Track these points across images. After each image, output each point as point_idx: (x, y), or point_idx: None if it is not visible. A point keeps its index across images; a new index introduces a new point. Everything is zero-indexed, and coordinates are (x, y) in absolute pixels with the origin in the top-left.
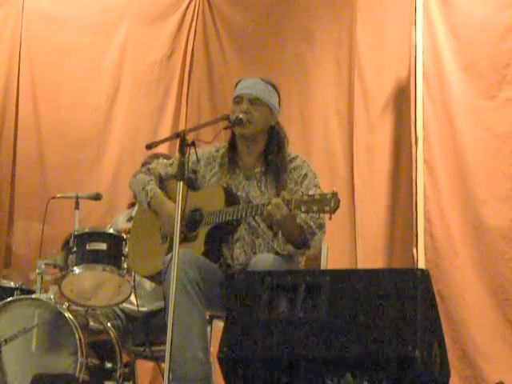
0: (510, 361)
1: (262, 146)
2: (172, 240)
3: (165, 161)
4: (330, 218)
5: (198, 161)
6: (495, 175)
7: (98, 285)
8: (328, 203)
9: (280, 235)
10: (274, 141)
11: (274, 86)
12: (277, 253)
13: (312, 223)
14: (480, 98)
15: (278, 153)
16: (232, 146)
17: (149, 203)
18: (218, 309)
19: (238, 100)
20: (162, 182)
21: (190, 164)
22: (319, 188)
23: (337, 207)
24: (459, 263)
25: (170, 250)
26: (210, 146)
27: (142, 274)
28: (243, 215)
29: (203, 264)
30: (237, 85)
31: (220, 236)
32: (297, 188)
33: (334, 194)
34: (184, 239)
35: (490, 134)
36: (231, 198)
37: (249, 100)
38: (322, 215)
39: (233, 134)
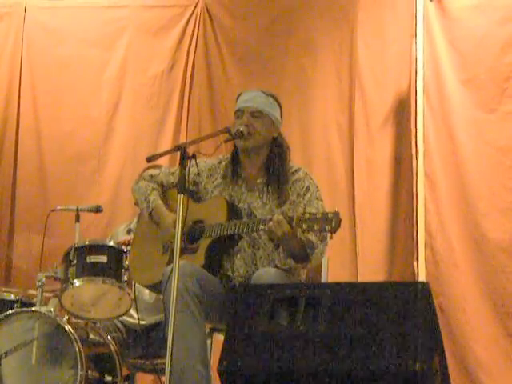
0: (511, 374)
1: (264, 158)
2: (173, 251)
3: (167, 170)
4: (331, 237)
5: (199, 173)
6: (496, 188)
7: (98, 297)
8: (329, 223)
9: (281, 249)
10: (276, 152)
11: (275, 98)
12: (277, 265)
13: (313, 237)
14: (480, 112)
15: (280, 164)
16: (234, 158)
17: (150, 213)
18: (218, 321)
19: (238, 114)
20: (163, 190)
21: (191, 176)
22: (321, 201)
23: (338, 227)
24: (460, 276)
25: (171, 261)
26: (212, 158)
27: (141, 283)
28: (244, 230)
29: (203, 276)
30: (238, 98)
31: (221, 249)
32: (299, 200)
33: (336, 214)
34: (184, 251)
35: (490, 147)
36: (233, 211)
37: (249, 113)
38: None
39: (235, 147)
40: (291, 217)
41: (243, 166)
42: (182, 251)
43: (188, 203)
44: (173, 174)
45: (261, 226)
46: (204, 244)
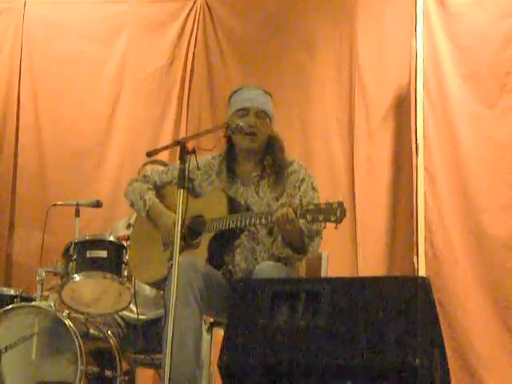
0: (511, 369)
1: (260, 154)
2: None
3: (160, 168)
4: (336, 228)
5: (199, 168)
6: (496, 184)
7: (99, 292)
8: (334, 212)
9: (279, 238)
10: (272, 148)
11: (269, 94)
12: (277, 259)
13: (313, 227)
14: (480, 107)
15: (276, 158)
16: (229, 155)
17: (147, 212)
18: (219, 315)
19: (243, 113)
20: (157, 189)
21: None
22: (317, 191)
23: (343, 217)
24: (459, 271)
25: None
26: (206, 155)
27: (143, 280)
28: (247, 223)
29: (208, 271)
30: (235, 93)
31: (223, 243)
32: (295, 192)
33: (340, 204)
34: (187, 246)
35: (490, 142)
36: (233, 205)
37: (255, 113)
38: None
39: (228, 143)
40: (295, 208)
41: (239, 162)
42: (184, 247)
43: (188, 199)
44: (166, 172)
45: (263, 221)
46: (206, 238)
